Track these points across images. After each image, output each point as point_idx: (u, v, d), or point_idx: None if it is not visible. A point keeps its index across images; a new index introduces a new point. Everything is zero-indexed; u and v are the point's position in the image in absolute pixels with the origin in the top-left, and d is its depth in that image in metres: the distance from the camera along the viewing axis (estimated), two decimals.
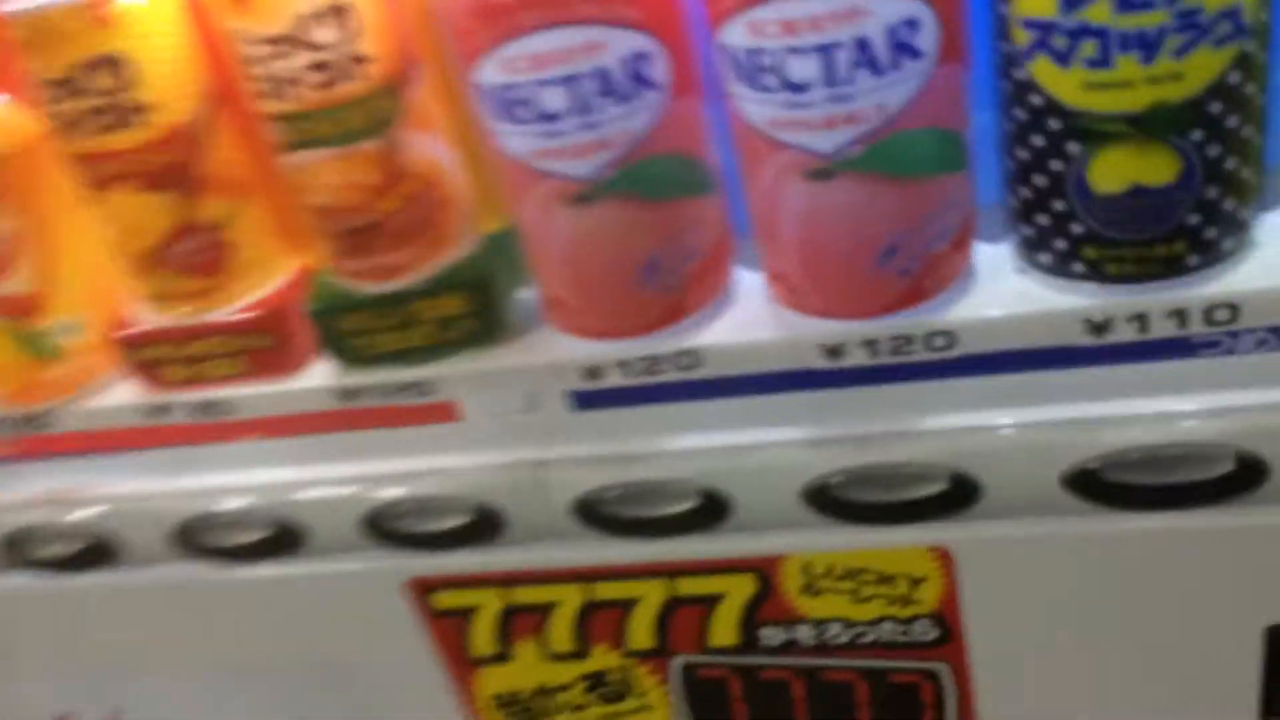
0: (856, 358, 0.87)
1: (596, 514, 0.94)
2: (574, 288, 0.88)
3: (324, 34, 0.83)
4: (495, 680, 1.11)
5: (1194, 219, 0.77)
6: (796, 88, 0.74)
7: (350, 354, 0.97)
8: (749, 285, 0.92)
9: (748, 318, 0.90)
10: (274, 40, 0.83)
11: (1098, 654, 0.95)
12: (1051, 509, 0.85)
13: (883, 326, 0.85)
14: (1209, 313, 0.80)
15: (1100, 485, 0.83)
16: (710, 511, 0.92)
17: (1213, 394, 0.81)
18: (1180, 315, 0.80)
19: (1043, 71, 0.75)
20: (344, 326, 0.95)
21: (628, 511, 0.94)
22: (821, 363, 0.88)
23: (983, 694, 1.00)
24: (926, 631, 0.97)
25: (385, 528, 1.01)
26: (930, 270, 0.82)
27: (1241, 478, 0.80)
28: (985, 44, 0.80)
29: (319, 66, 0.83)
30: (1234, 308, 0.79)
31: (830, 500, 0.89)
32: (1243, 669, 0.92)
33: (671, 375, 0.91)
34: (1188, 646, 0.92)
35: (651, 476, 0.92)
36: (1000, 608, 0.94)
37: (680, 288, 0.87)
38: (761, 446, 0.90)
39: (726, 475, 0.90)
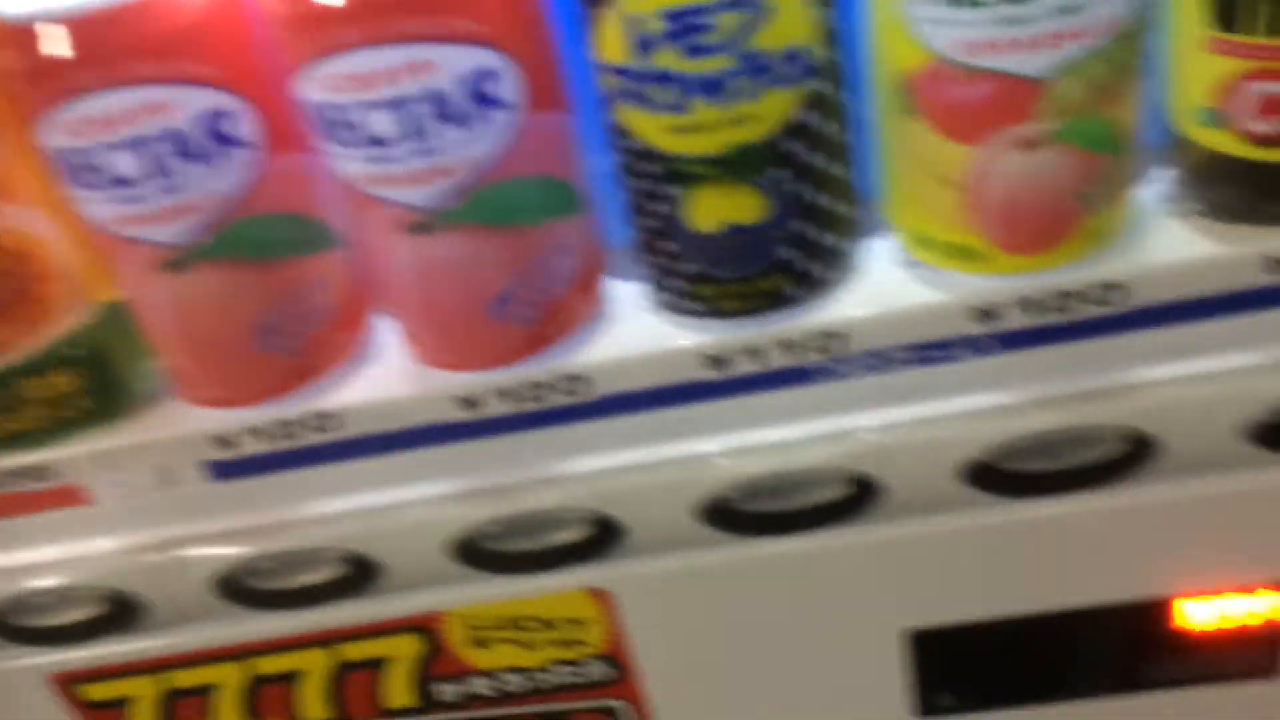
0: (494, 408, 0.85)
1: (241, 588, 0.89)
2: (188, 355, 0.83)
3: None
4: None
5: (788, 254, 0.79)
6: (379, 142, 0.71)
7: None
8: (390, 342, 0.90)
9: (384, 375, 0.87)
10: None
11: (761, 671, 0.97)
12: (692, 541, 0.86)
13: (513, 376, 0.84)
14: (816, 341, 0.82)
15: (733, 515, 0.85)
16: (360, 575, 0.89)
17: (829, 418, 0.84)
18: (790, 346, 0.83)
19: (630, 117, 0.75)
20: None
21: (275, 584, 0.89)
22: (460, 415, 0.86)
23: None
24: (599, 670, 0.96)
25: (14, 625, 0.92)
26: (553, 316, 0.82)
27: (855, 498, 0.84)
28: (589, 88, 0.80)
29: None
30: (839, 335, 0.82)
31: (479, 552, 0.87)
32: (891, 671, 0.96)
33: (309, 438, 0.87)
34: (838, 654, 0.96)
35: (294, 545, 0.87)
36: (664, 638, 0.95)
37: (304, 350, 0.84)
38: (404, 505, 0.87)
39: (371, 537, 0.87)
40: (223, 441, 0.87)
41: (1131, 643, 0.94)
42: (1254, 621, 0.92)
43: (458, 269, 0.77)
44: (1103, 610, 0.92)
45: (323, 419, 0.86)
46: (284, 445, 0.87)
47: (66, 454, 0.88)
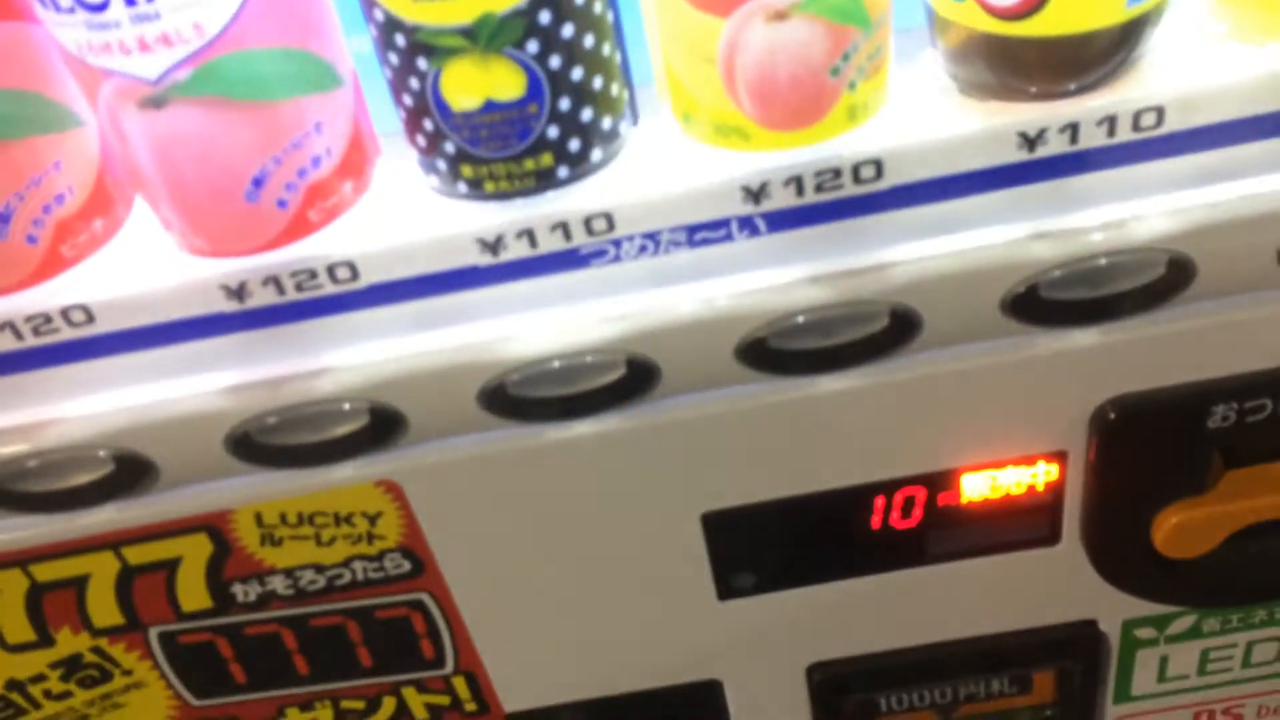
0: (259, 297, 0.83)
1: (4, 493, 0.86)
2: None
3: None
4: None
5: (554, 131, 0.78)
6: (94, 7, 0.67)
7: None
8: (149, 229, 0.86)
9: (144, 265, 0.84)
10: None
11: (563, 561, 0.98)
12: (473, 426, 0.86)
13: (276, 262, 0.81)
14: (588, 223, 0.82)
15: (509, 401, 0.84)
16: (132, 473, 0.86)
17: (604, 300, 0.84)
18: (564, 228, 0.82)
19: None
20: None
21: (41, 486, 0.86)
22: (226, 305, 0.83)
23: (471, 613, 1.01)
24: (399, 565, 0.96)
25: None
26: (312, 200, 0.79)
27: (632, 379, 0.84)
28: None
29: None
30: (609, 217, 0.81)
31: (256, 447, 0.85)
32: (694, 556, 0.98)
33: (66, 333, 0.83)
34: (637, 542, 0.97)
35: (57, 443, 0.84)
36: (459, 529, 0.95)
37: (47, 239, 0.79)
38: (174, 400, 0.84)
39: (139, 433, 0.84)
40: None
41: (917, 517, 0.97)
42: (1036, 491, 0.96)
43: (202, 148, 0.74)
44: (886, 485, 0.95)
45: (80, 312, 0.82)
46: (38, 341, 0.83)
47: None
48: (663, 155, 0.84)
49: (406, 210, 0.84)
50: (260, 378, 0.84)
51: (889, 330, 0.82)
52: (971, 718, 1.21)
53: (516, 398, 0.84)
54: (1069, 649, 1.11)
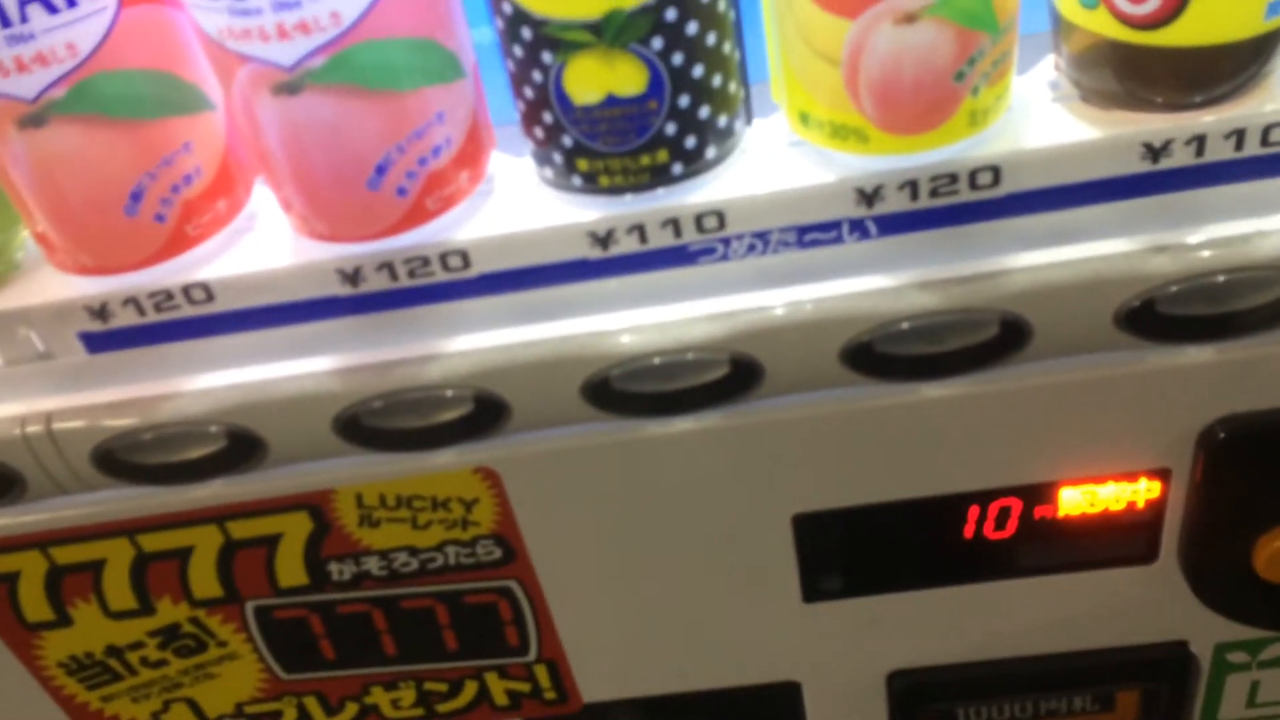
0: (373, 282, 0.85)
1: (119, 462, 0.88)
2: (55, 220, 0.81)
3: None
4: (60, 645, 1.03)
5: (671, 128, 0.78)
6: None
7: None
8: (270, 212, 0.88)
9: (263, 247, 0.86)
10: None
11: (651, 556, 0.98)
12: (574, 418, 0.87)
13: (392, 249, 0.83)
14: (699, 220, 0.82)
15: (612, 395, 0.85)
16: (242, 450, 0.88)
17: (712, 299, 0.84)
18: (675, 224, 0.82)
19: None
20: None
21: (153, 458, 0.88)
22: (339, 289, 0.85)
23: (557, 603, 1.02)
24: (490, 551, 0.97)
25: None
26: (430, 189, 0.80)
27: (736, 378, 0.84)
28: None
29: None
30: (720, 214, 0.82)
31: (363, 429, 0.87)
32: (782, 557, 0.98)
33: (186, 310, 0.86)
34: (727, 539, 0.97)
35: (173, 418, 0.86)
36: (552, 519, 0.95)
37: (175, 218, 0.82)
38: (287, 380, 0.86)
39: (251, 411, 0.86)
40: (98, 312, 0.85)
41: (1011, 528, 0.96)
42: (1136, 507, 0.95)
43: (330, 134, 0.75)
44: (981, 495, 0.94)
45: (201, 290, 0.84)
46: (159, 317, 0.86)
47: None
48: (776, 155, 0.84)
49: (519, 202, 0.85)
50: (370, 361, 0.86)
51: (998, 339, 0.81)
52: None
53: (620, 392, 0.85)
54: (1158, 670, 1.09)
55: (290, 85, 0.73)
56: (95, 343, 0.88)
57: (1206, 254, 0.78)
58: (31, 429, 0.87)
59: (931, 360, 0.83)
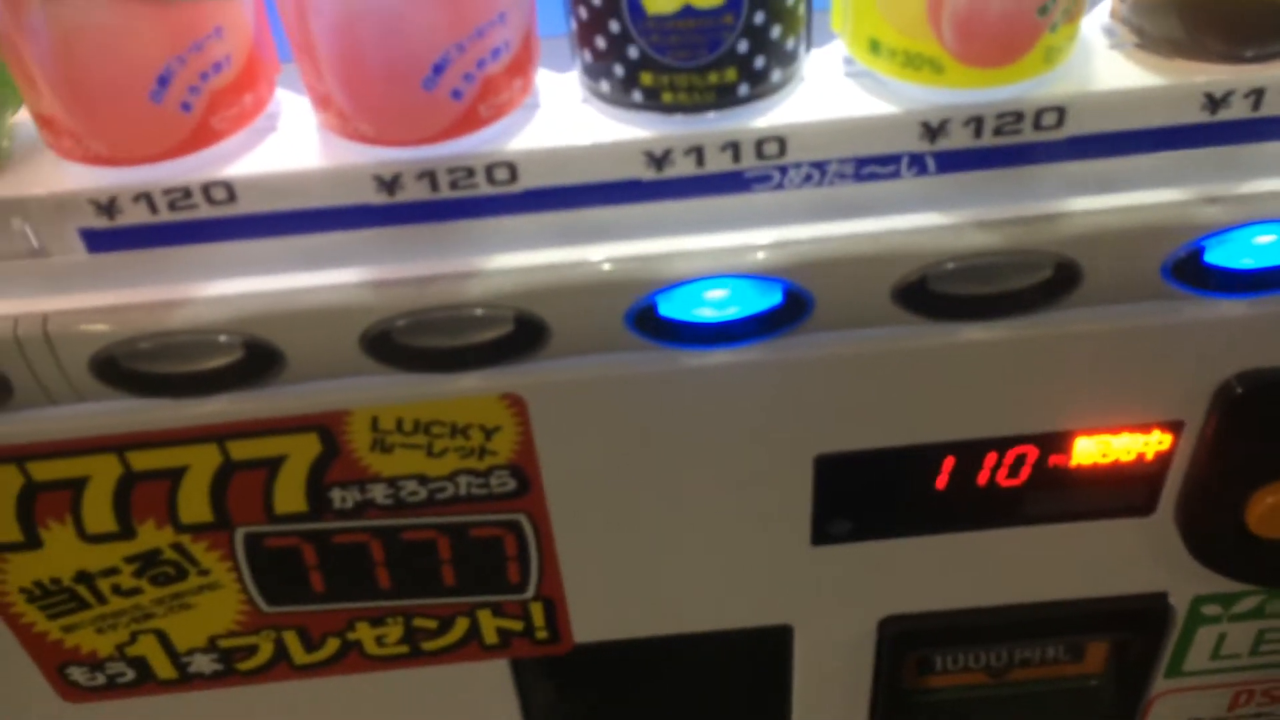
0: (413, 191, 0.80)
1: (119, 371, 0.81)
2: (70, 103, 0.74)
3: None
4: (24, 569, 0.96)
5: (743, 45, 0.75)
6: None
7: None
8: (299, 110, 0.83)
9: (291, 147, 0.80)
10: None
11: (669, 491, 0.96)
12: (612, 345, 0.84)
13: (439, 156, 0.78)
14: (759, 146, 0.80)
15: (658, 323, 0.82)
16: (257, 364, 0.82)
17: (765, 229, 0.82)
18: (735, 148, 0.80)
19: None
20: None
21: (159, 367, 0.82)
22: (375, 197, 0.80)
23: (564, 539, 0.99)
24: (504, 483, 0.94)
25: None
26: (484, 95, 0.76)
27: (785, 311, 0.82)
28: None
29: None
30: (782, 141, 0.79)
31: (393, 347, 0.82)
32: (797, 498, 0.97)
33: (204, 211, 0.80)
34: (747, 478, 0.96)
35: (184, 325, 0.80)
36: (573, 450, 0.92)
37: (202, 108, 0.75)
38: (313, 290, 0.81)
39: (272, 321, 0.81)
40: (105, 207, 0.79)
41: (1024, 476, 0.97)
42: (1145, 459, 0.97)
43: (389, 25, 0.70)
44: (1000, 441, 0.95)
45: (222, 189, 0.78)
46: (171, 217, 0.80)
47: None
48: (835, 84, 0.82)
49: (568, 117, 0.81)
50: (403, 275, 0.81)
51: (1050, 282, 0.82)
52: (1020, 682, 1.23)
53: (664, 320, 0.82)
54: (1137, 620, 1.12)
55: None
56: (97, 241, 0.81)
57: (1258, 206, 0.80)
58: (25, 330, 0.80)
59: (981, 301, 0.83)
